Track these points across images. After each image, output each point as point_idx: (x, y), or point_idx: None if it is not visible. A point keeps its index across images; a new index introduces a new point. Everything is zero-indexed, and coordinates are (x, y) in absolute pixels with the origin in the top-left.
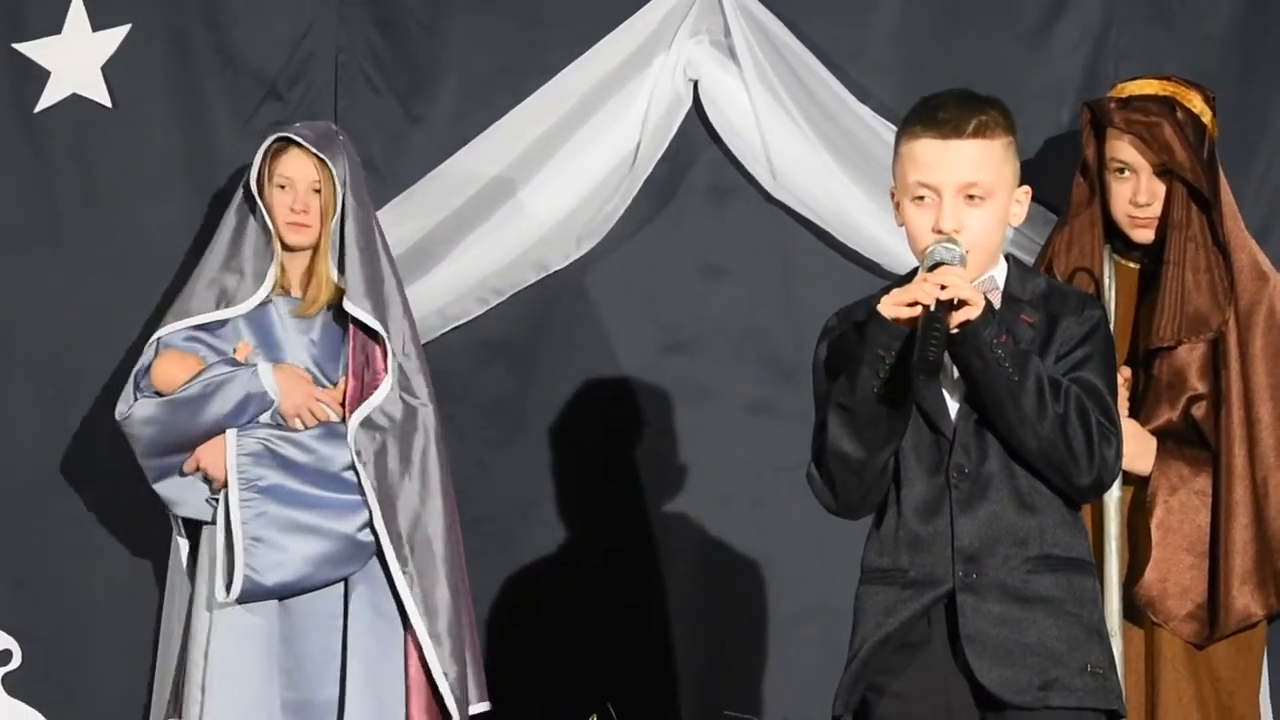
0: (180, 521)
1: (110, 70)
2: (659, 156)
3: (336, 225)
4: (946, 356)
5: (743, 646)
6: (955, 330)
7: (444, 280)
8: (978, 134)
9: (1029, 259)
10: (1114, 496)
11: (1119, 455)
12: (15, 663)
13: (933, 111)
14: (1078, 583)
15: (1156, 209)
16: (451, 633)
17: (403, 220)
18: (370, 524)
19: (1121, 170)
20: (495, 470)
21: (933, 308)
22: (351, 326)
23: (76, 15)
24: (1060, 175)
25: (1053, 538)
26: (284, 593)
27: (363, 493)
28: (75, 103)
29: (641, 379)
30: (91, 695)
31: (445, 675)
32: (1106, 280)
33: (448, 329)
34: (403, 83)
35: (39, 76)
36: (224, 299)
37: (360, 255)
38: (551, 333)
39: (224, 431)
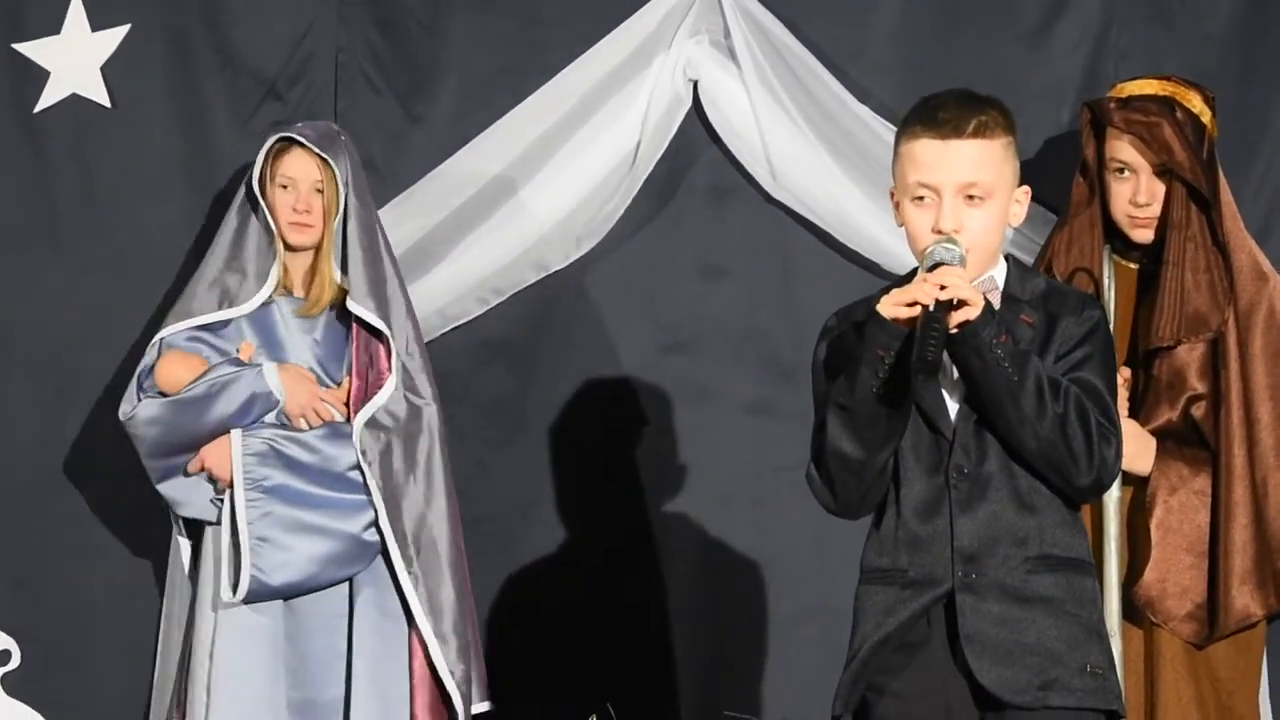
0: (181, 522)
1: (110, 70)
2: (659, 156)
3: (339, 225)
4: (946, 356)
5: (743, 646)
6: (954, 330)
7: (444, 280)
8: (977, 134)
9: (1029, 259)
10: (1113, 497)
11: (1118, 455)
12: (15, 663)
13: (932, 111)
14: (1077, 583)
15: (1156, 209)
16: (457, 631)
17: (403, 220)
18: (375, 523)
19: (1121, 170)
20: (495, 470)
21: (932, 308)
22: (355, 326)
23: (76, 15)
24: (1060, 175)
25: (1052, 538)
26: (290, 593)
27: (368, 492)
28: (75, 103)
29: (641, 379)
30: (91, 695)
31: (452, 674)
32: (1106, 280)
33: (448, 329)
34: (403, 83)
35: (38, 76)
36: (226, 299)
37: (363, 255)
38: (551, 333)
39: (229, 431)
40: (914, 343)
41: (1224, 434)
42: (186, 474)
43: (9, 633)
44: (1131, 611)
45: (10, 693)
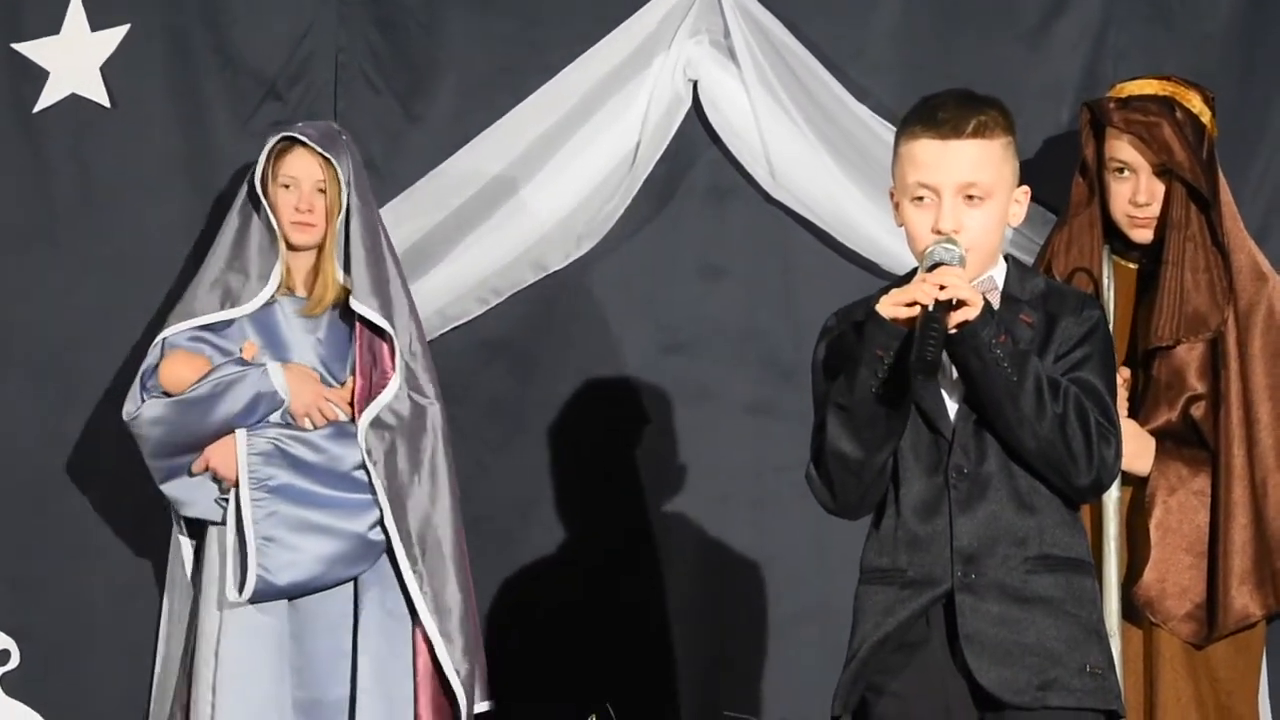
0: (184, 522)
1: (109, 70)
2: (659, 156)
3: (341, 224)
4: (945, 357)
5: (742, 646)
6: (954, 330)
7: (444, 280)
8: (977, 134)
9: (1028, 259)
10: (1113, 497)
11: (1118, 455)
12: (14, 663)
13: (932, 112)
14: (1077, 583)
15: (1155, 209)
16: (463, 630)
17: (402, 220)
18: (381, 523)
19: (1121, 170)
20: (495, 470)
21: (931, 308)
22: (358, 325)
23: (75, 15)
24: (1060, 175)
25: (1052, 538)
26: (296, 592)
27: (373, 492)
28: (74, 103)
29: (641, 379)
30: (91, 695)
31: (457, 672)
32: (1105, 280)
33: (448, 329)
34: (402, 83)
35: (38, 76)
36: (229, 299)
37: (366, 254)
38: (551, 333)
39: (233, 431)
40: (913, 343)
41: (1223, 434)
42: (191, 474)
43: (9, 633)
44: (1131, 611)
45: (10, 693)
